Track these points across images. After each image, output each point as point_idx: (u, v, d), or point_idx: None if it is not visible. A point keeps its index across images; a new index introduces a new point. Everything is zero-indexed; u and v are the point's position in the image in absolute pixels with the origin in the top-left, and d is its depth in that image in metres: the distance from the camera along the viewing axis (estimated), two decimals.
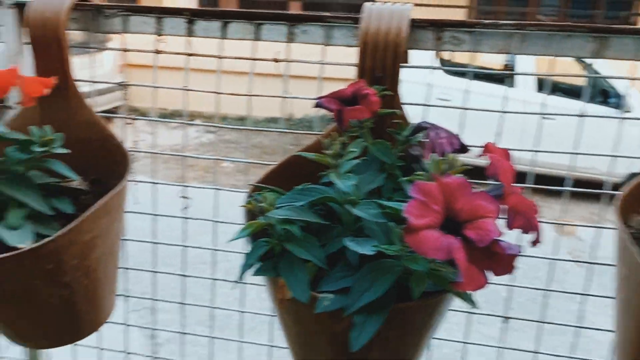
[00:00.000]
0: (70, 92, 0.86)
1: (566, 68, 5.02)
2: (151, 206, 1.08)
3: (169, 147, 5.75)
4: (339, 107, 0.70)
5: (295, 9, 7.51)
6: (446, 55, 5.35)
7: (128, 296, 1.12)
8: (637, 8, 7.09)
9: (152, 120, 1.05)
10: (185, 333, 1.15)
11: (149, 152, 1.08)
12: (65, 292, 0.78)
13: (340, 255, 0.64)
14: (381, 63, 0.75)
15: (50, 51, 0.84)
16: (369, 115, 0.68)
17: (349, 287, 0.61)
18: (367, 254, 0.59)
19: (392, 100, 0.76)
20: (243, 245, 0.69)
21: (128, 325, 1.15)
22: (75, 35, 0.95)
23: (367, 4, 0.78)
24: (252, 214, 0.67)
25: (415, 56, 0.83)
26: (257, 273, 0.66)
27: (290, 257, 0.64)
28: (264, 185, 0.74)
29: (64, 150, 0.76)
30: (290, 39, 0.84)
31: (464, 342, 1.00)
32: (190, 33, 0.86)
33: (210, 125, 1.07)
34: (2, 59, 0.90)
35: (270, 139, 6.39)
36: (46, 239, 0.71)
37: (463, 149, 0.70)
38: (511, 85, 5.23)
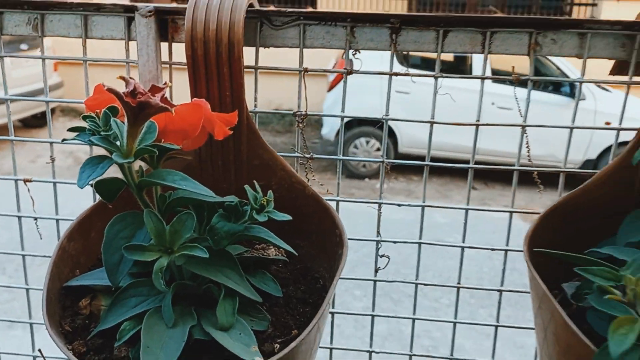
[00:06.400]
0: (243, 129, 0.65)
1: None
2: None
3: None
4: None
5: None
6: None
7: None
8: None
9: None
10: None
11: None
12: None
13: None
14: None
15: (218, 75, 0.63)
16: None
17: None
18: None
19: None
20: None
21: None
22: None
23: None
24: None
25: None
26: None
27: None
28: None
29: (285, 217, 0.55)
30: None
31: None
32: (395, 45, 0.67)
33: None
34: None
35: None
36: (288, 349, 0.51)
37: None
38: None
